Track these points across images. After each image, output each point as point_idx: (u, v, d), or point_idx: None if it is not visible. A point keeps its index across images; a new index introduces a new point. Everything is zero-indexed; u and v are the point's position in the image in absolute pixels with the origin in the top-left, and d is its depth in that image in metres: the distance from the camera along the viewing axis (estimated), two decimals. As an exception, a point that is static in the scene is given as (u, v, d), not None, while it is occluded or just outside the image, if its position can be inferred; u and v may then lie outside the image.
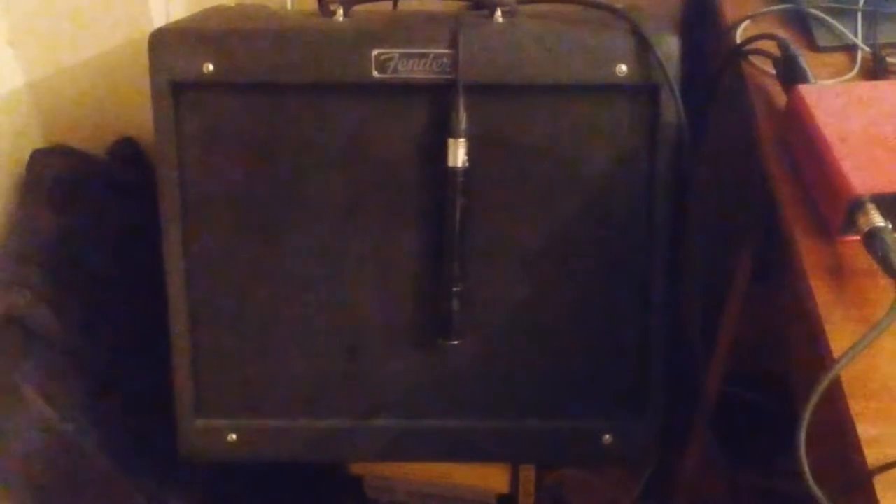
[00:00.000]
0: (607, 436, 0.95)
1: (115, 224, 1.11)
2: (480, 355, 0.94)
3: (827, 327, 0.64)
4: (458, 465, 1.19)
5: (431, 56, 0.85)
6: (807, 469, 0.57)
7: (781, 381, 0.87)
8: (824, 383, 0.59)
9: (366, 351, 0.94)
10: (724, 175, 1.00)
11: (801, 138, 0.76)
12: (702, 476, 1.13)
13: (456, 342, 0.93)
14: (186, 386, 0.95)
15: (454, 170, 0.87)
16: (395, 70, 0.86)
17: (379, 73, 0.86)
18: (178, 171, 0.89)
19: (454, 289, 0.90)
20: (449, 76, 0.85)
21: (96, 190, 1.11)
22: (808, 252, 0.70)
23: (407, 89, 0.86)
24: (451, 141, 0.86)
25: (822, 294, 0.67)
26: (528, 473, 1.21)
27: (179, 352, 0.94)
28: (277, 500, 1.21)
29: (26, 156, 1.08)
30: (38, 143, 1.12)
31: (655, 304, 0.91)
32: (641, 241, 0.90)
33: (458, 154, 0.86)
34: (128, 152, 1.19)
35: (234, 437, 0.96)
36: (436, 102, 0.87)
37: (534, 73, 0.86)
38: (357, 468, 1.24)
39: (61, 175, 1.08)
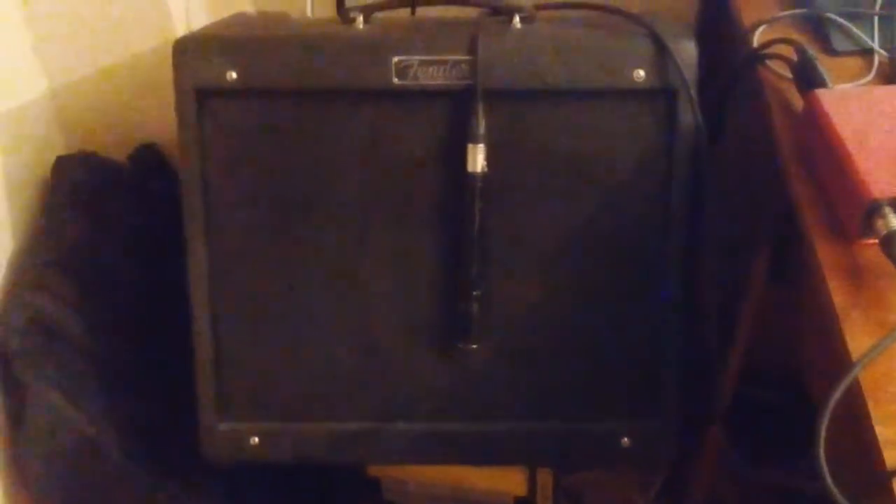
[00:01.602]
0: (625, 438, 0.96)
1: (138, 229, 1.12)
2: (499, 359, 0.94)
3: (845, 329, 0.65)
4: (476, 468, 1.20)
5: (451, 62, 0.86)
6: (826, 470, 0.57)
7: (796, 381, 0.87)
8: (843, 385, 0.60)
9: (386, 354, 0.95)
10: (741, 178, 1.01)
11: (818, 142, 0.76)
12: (716, 477, 1.13)
13: (475, 346, 0.93)
14: (209, 389, 0.96)
15: (473, 175, 0.87)
16: (415, 76, 0.86)
17: (399, 79, 0.87)
18: (201, 176, 0.90)
19: (473, 293, 0.91)
20: (468, 82, 0.86)
21: (118, 196, 1.13)
22: (826, 254, 0.71)
23: (426, 95, 0.87)
24: (470, 146, 0.87)
25: (839, 296, 0.67)
26: (546, 476, 1.21)
27: (202, 355, 0.95)
28: (296, 501, 1.22)
29: (50, 162, 1.10)
30: (62, 150, 1.13)
31: (672, 306, 0.92)
32: (658, 244, 0.90)
33: (478, 159, 0.87)
34: (149, 159, 1.20)
35: (256, 439, 0.97)
36: (455, 108, 0.87)
37: (552, 78, 0.86)
38: (374, 470, 1.25)
39: (84, 181, 1.09)
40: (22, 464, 1.00)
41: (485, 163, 0.87)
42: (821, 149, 0.76)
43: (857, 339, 0.64)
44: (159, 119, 1.12)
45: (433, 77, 0.86)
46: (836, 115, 0.75)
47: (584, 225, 0.91)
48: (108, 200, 1.11)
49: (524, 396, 0.95)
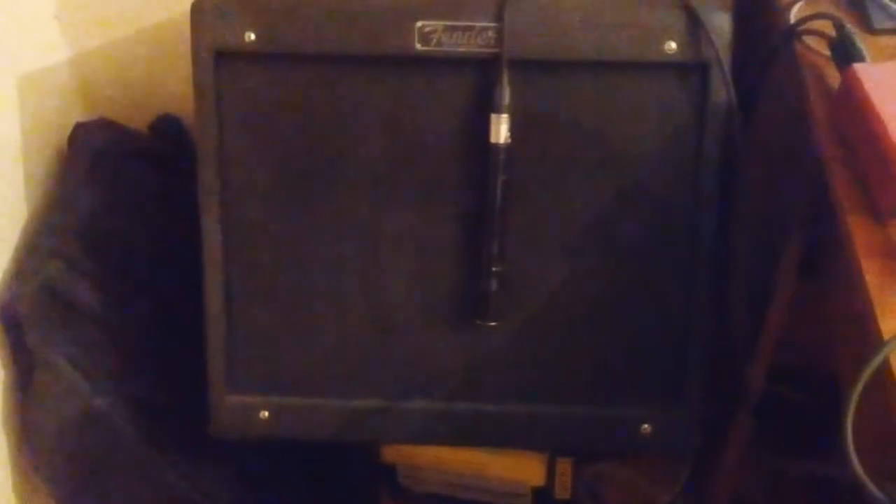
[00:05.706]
0: (646, 425, 0.93)
1: (155, 199, 1.11)
2: (517, 338, 0.92)
3: (877, 310, 0.62)
4: (493, 456, 1.17)
5: (476, 29, 0.84)
6: (852, 451, 0.54)
7: (825, 379, 0.84)
8: (873, 364, 0.57)
9: (401, 330, 0.93)
10: (773, 160, 0.97)
11: (854, 118, 0.73)
12: (741, 471, 1.10)
13: (493, 324, 0.91)
14: (219, 362, 0.94)
15: (496, 146, 0.85)
16: (439, 43, 0.84)
17: (422, 45, 0.84)
18: (217, 141, 0.89)
19: (493, 269, 0.88)
20: (494, 50, 0.84)
21: (137, 165, 1.11)
22: (860, 234, 0.68)
23: (450, 63, 0.85)
24: (494, 116, 0.84)
25: (872, 275, 0.65)
26: (565, 466, 1.19)
27: (213, 327, 0.93)
28: (309, 483, 1.20)
29: (68, 128, 1.09)
30: (81, 117, 1.12)
31: (699, 290, 0.89)
32: (687, 224, 0.88)
33: (501, 130, 0.84)
34: (169, 128, 1.19)
35: (266, 414, 0.95)
36: (479, 77, 0.85)
37: (580, 48, 0.84)
38: (390, 456, 1.23)
39: (102, 149, 1.08)
40: (30, 431, 0.99)
41: (508, 134, 0.85)
42: (857, 125, 0.73)
43: (890, 319, 0.61)
44: (181, 89, 1.11)
45: (457, 44, 0.84)
46: (874, 91, 0.72)
47: (609, 202, 0.88)
48: (126, 169, 1.09)
49: (542, 378, 0.93)
